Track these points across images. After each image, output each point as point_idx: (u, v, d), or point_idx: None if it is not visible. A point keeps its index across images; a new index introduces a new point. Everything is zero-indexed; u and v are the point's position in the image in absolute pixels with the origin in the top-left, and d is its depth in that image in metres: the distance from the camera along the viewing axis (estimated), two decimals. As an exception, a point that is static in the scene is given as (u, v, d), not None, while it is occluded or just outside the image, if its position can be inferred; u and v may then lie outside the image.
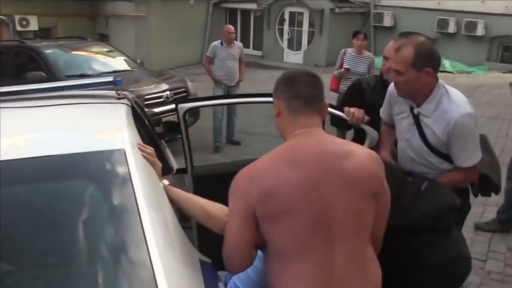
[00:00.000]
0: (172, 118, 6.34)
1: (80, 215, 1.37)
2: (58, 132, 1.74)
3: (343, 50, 5.74)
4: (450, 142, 2.18)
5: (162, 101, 6.40)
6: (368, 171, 1.57)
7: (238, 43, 6.88)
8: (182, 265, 1.39)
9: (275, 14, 16.25)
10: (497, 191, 2.56)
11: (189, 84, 7.24)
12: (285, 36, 16.28)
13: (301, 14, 15.80)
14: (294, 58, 16.13)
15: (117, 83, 2.30)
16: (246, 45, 16.78)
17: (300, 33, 15.99)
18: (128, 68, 7.39)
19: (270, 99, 2.61)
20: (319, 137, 1.61)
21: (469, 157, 2.21)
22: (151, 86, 6.66)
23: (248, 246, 1.54)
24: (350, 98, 3.05)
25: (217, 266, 1.91)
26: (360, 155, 1.60)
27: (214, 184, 2.69)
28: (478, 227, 4.17)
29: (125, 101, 2.26)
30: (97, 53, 7.63)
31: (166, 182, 1.76)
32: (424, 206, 2.00)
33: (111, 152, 1.56)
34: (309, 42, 15.87)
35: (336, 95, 5.75)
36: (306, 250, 1.49)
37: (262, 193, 1.47)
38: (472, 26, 13.96)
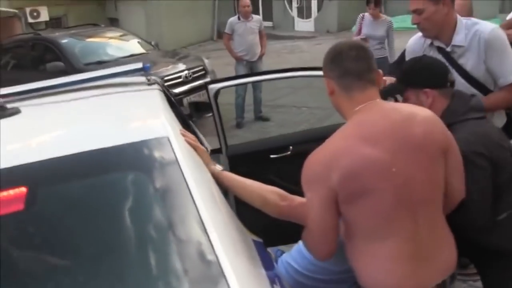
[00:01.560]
0: (194, 98, 6.37)
1: (136, 206, 1.38)
2: (99, 125, 1.75)
3: (361, 15, 5.64)
4: (488, 59, 2.13)
5: (181, 81, 6.39)
6: (435, 130, 1.56)
7: (256, 17, 6.79)
8: (241, 247, 1.41)
9: (283, -18, 15.97)
10: None
11: (206, 61, 7.21)
12: (294, 5, 16.00)
13: (309, -20, 15.50)
14: (305, 26, 15.89)
15: (146, 69, 2.30)
16: (256, 17, 16.58)
17: (309, 0, 15.70)
18: (143, 51, 7.39)
19: (300, 73, 2.61)
20: (381, 108, 1.56)
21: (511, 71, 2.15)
22: (168, 67, 6.65)
23: (334, 231, 1.53)
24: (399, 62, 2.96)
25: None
26: (423, 115, 1.58)
27: (250, 162, 2.71)
28: None
29: (156, 86, 2.27)
30: (111, 38, 7.64)
31: (219, 167, 1.74)
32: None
33: (156, 140, 1.56)
34: (319, 9, 15.57)
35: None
36: (392, 227, 1.49)
37: (344, 176, 1.44)
38: (486, -23, 13.49)
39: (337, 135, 1.54)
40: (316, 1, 15.56)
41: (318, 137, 2.74)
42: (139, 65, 2.31)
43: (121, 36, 7.85)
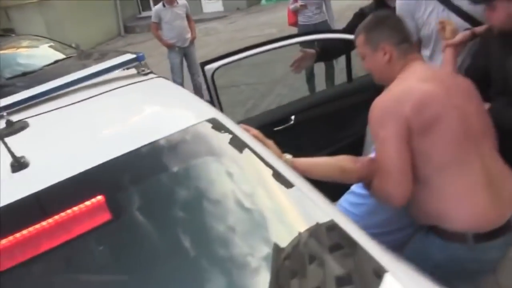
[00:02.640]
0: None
1: (221, 187, 1.37)
2: (144, 117, 1.65)
3: (296, -18, 5.65)
4: None
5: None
6: (471, 85, 1.74)
7: (181, 1, 6.61)
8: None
9: (182, -34, 15.62)
10: None
11: (139, 55, 6.92)
12: (199, -14, 15.76)
13: (210, -41, 15.31)
14: (213, 6, 15.70)
15: (141, 59, 2.20)
16: (162, 5, 16.14)
17: (214, -20, 15.53)
18: (66, 55, 6.92)
19: (293, 40, 2.60)
20: (424, 63, 1.78)
21: None
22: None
23: (410, 167, 1.56)
24: (355, 26, 3.00)
25: None
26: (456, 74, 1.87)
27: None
28: None
29: (153, 74, 2.17)
30: (28, 46, 7.08)
31: (289, 156, 1.69)
32: None
33: (210, 122, 1.53)
34: (225, -13, 15.47)
35: (295, 29, 5.74)
36: (463, 158, 1.57)
37: (416, 105, 1.55)
38: None
39: (395, 84, 1.66)
40: (221, -20, 15.42)
41: (316, 103, 2.80)
42: (132, 55, 2.20)
43: (37, 42, 7.28)
